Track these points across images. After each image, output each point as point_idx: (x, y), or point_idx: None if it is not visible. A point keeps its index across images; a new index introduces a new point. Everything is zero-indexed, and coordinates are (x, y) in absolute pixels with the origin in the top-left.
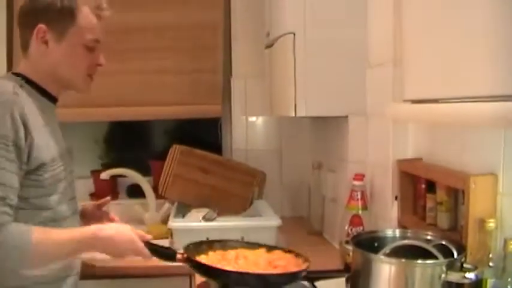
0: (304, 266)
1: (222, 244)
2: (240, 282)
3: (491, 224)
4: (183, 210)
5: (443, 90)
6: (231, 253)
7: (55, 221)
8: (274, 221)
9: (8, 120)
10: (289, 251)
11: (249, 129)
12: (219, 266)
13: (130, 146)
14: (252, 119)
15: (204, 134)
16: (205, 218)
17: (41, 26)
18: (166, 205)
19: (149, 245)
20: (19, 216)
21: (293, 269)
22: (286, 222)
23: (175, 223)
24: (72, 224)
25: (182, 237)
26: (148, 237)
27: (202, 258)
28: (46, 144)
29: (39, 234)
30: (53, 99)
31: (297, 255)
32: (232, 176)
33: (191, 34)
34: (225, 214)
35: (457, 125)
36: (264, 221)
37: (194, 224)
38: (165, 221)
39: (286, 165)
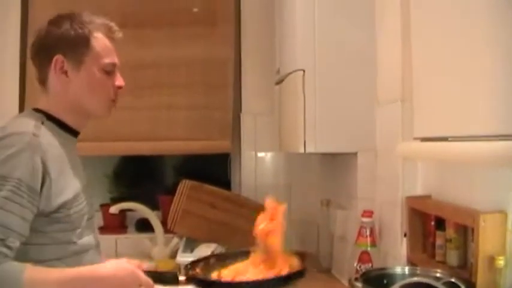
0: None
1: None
2: None
3: (500, 261)
4: (191, 245)
5: (452, 129)
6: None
7: (78, 255)
8: None
9: (26, 164)
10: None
11: (258, 165)
12: (221, 279)
13: (140, 180)
14: (261, 154)
15: (213, 169)
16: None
17: (58, 57)
18: (175, 240)
19: (149, 274)
20: (44, 252)
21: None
22: None
23: (183, 258)
24: (94, 257)
25: None
26: (144, 265)
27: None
28: (68, 183)
29: (32, 273)
30: (75, 133)
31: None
32: (241, 212)
33: (202, 70)
34: (233, 249)
35: (467, 164)
36: None
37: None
38: (173, 255)
39: (295, 201)
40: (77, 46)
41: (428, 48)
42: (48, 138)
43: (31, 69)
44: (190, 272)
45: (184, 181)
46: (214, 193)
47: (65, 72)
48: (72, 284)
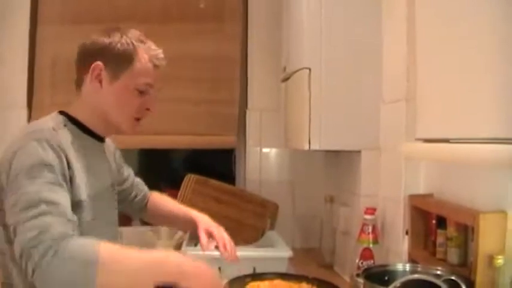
0: None
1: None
2: None
3: (500, 260)
4: (195, 239)
5: (454, 131)
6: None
7: None
8: (285, 252)
9: (50, 151)
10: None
11: (263, 161)
12: None
13: (145, 174)
14: (266, 150)
15: (218, 164)
16: (218, 247)
17: (98, 63)
18: (179, 233)
19: None
20: None
21: None
22: (298, 254)
23: (187, 251)
24: None
25: None
26: None
27: None
28: (85, 182)
29: (109, 248)
30: (100, 138)
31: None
32: (245, 207)
33: (209, 66)
34: (237, 244)
35: (467, 165)
36: (275, 252)
37: (206, 252)
38: (177, 248)
39: (299, 197)
40: (119, 60)
41: (433, 48)
42: (67, 138)
43: (39, 63)
44: None
45: (189, 175)
46: (219, 188)
47: (100, 81)
48: (156, 275)
